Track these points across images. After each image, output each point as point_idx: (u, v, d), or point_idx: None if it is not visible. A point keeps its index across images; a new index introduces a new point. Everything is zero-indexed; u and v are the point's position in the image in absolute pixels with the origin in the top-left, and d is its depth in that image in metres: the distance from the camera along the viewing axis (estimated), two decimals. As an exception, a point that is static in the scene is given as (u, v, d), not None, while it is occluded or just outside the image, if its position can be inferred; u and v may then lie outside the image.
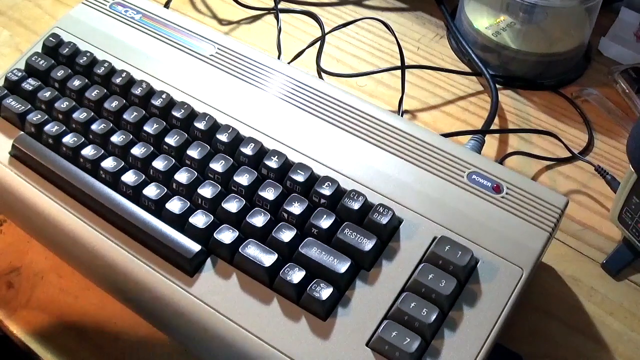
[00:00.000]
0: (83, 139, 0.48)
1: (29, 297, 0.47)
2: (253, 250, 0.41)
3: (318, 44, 0.65)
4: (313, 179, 0.45)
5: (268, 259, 0.41)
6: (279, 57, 0.64)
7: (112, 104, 0.50)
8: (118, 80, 0.51)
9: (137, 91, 0.50)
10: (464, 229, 0.43)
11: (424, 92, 0.62)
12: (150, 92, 0.50)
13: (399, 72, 0.60)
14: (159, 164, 0.46)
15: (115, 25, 0.56)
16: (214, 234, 0.42)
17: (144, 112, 0.49)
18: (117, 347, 0.45)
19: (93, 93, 0.50)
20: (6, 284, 0.48)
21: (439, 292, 0.39)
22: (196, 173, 0.45)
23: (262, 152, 0.46)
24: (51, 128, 0.48)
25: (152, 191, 0.44)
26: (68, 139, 0.48)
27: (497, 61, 0.62)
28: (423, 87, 0.62)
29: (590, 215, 0.53)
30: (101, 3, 0.57)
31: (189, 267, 0.41)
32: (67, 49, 0.53)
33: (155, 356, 0.44)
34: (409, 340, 0.37)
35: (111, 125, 0.49)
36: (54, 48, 0.54)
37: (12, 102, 0.50)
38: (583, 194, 0.54)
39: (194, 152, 0.46)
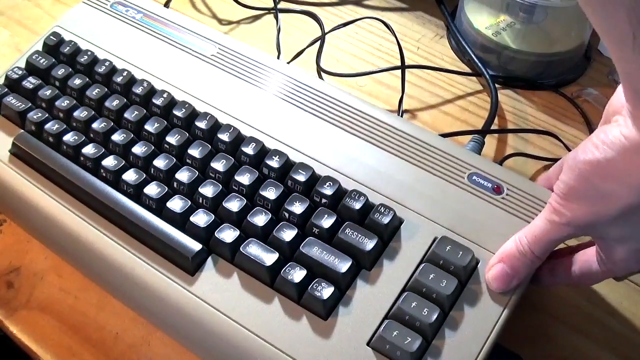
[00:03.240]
0: (84, 137, 0.48)
1: (29, 297, 0.47)
2: (254, 250, 0.41)
3: (318, 43, 0.65)
4: (314, 179, 0.45)
5: (269, 258, 0.41)
6: (278, 57, 0.64)
7: (113, 103, 0.50)
8: (119, 79, 0.51)
9: (138, 90, 0.50)
10: (465, 229, 0.43)
11: (423, 92, 0.62)
12: (152, 91, 0.50)
13: (398, 72, 0.60)
14: (160, 162, 0.46)
15: (116, 24, 0.55)
16: (215, 233, 0.42)
17: (145, 111, 0.49)
18: (117, 347, 0.45)
19: (94, 92, 0.50)
20: (6, 284, 0.48)
21: (440, 292, 0.39)
22: (197, 172, 0.45)
23: (263, 152, 0.46)
24: (52, 126, 0.48)
25: (153, 190, 0.44)
26: (69, 138, 0.48)
27: (496, 61, 0.62)
28: (423, 87, 0.62)
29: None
30: (102, 2, 0.57)
31: (189, 266, 0.41)
32: (68, 48, 0.53)
33: (155, 356, 0.44)
34: (410, 339, 0.38)
35: (112, 124, 0.49)
36: (54, 47, 0.54)
37: (12, 101, 0.50)
38: (583, 195, 0.54)
39: (195, 151, 0.46)
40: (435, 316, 0.38)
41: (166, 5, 0.68)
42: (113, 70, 0.52)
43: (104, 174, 0.46)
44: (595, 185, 0.34)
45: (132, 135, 0.48)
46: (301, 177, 0.44)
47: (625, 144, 0.32)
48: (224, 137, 0.47)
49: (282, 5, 0.70)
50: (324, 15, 0.68)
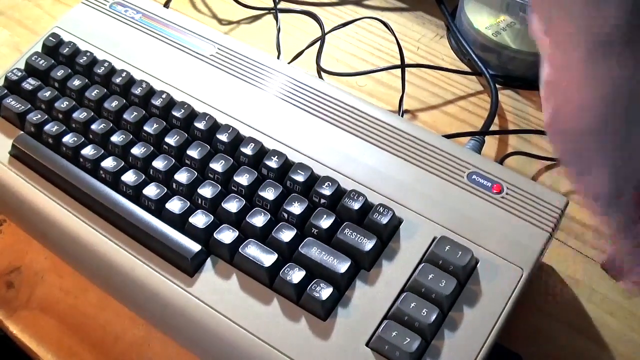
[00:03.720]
0: (83, 138, 0.48)
1: (29, 297, 0.47)
2: (253, 250, 0.41)
3: (318, 43, 0.65)
4: (313, 179, 0.45)
5: (268, 259, 0.41)
6: (278, 57, 0.64)
7: (112, 104, 0.50)
8: (118, 80, 0.51)
9: (137, 91, 0.50)
10: (464, 229, 0.43)
11: (423, 91, 0.62)
12: (151, 92, 0.50)
13: (398, 72, 0.60)
14: (159, 163, 0.46)
15: (116, 25, 0.56)
16: (214, 234, 0.42)
17: (144, 111, 0.49)
18: (117, 347, 0.45)
19: (93, 93, 0.50)
20: (6, 284, 0.48)
21: (439, 292, 0.39)
22: (196, 173, 0.45)
23: (262, 152, 0.46)
24: (51, 128, 0.48)
25: (152, 191, 0.44)
26: (68, 139, 0.48)
27: (497, 61, 0.62)
28: (423, 87, 0.62)
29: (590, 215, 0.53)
30: (101, 3, 0.57)
31: (189, 267, 0.41)
32: (67, 49, 0.53)
33: (155, 356, 0.44)
34: (409, 340, 0.38)
35: (111, 125, 0.49)
36: (54, 48, 0.54)
37: (12, 102, 0.50)
38: (583, 194, 0.54)
39: (194, 152, 0.46)
40: (434, 316, 0.38)
41: (166, 5, 0.68)
42: (112, 71, 0.52)
43: (103, 175, 0.46)
44: (571, 145, 0.30)
45: (131, 136, 0.48)
46: (300, 178, 0.44)
47: (550, 78, 0.29)
48: (223, 137, 0.47)
49: (282, 5, 0.70)
50: (324, 15, 0.68)
